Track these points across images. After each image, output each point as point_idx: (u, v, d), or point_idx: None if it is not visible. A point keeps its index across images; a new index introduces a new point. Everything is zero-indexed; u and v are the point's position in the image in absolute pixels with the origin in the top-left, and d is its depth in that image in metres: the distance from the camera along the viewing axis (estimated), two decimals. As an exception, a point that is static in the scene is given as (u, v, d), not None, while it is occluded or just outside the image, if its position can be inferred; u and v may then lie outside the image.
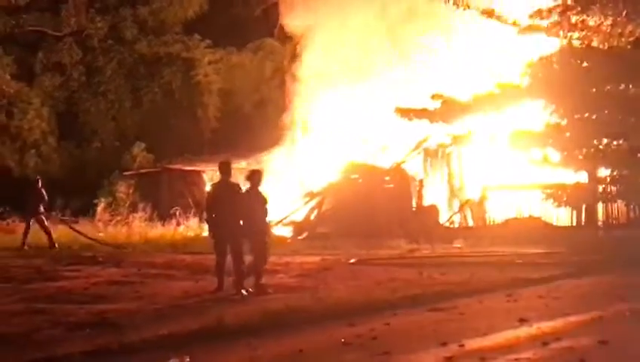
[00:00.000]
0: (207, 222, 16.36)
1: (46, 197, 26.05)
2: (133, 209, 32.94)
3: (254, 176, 15.78)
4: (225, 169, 15.99)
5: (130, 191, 35.01)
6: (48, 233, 25.70)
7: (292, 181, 33.78)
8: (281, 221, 29.37)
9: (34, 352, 10.26)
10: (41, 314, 12.79)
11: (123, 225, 30.68)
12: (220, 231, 15.64)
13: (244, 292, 15.07)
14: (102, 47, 40.74)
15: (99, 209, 32.87)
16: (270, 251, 15.98)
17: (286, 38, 39.47)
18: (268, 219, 16.26)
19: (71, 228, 28.01)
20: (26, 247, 25.10)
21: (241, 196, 15.53)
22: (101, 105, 40.14)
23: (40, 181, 26.36)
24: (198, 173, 33.73)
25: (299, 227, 29.51)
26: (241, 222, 15.33)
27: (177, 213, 31.06)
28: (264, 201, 15.70)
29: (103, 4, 40.90)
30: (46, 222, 25.88)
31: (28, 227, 25.70)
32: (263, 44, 41.92)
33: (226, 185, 15.89)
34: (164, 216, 31.49)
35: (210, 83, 40.80)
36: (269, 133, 35.33)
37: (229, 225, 15.44)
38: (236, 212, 15.43)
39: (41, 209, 25.77)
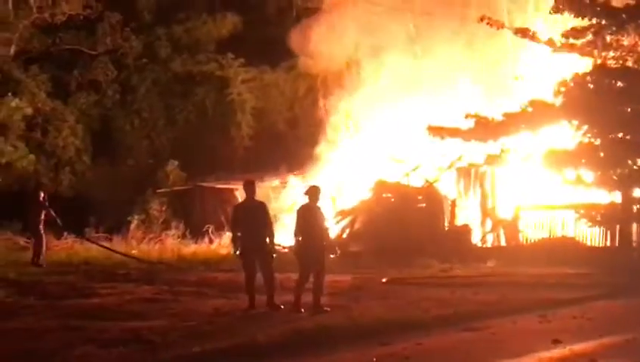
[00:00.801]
0: (232, 241, 16.58)
1: (48, 209, 25.91)
2: (166, 226, 33.09)
3: (312, 192, 15.86)
4: (249, 188, 16.28)
5: (163, 208, 35.16)
6: (37, 248, 25.57)
7: (324, 199, 33.77)
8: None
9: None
10: (75, 330, 12.87)
11: (156, 242, 30.81)
12: (245, 248, 15.81)
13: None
14: (136, 65, 41.01)
15: (132, 226, 33.02)
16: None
17: (320, 57, 39.63)
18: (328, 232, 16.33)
19: (99, 245, 28.11)
20: (42, 264, 25.09)
21: (298, 212, 15.79)
22: (135, 123, 40.36)
23: (42, 193, 26.26)
24: (231, 191, 33.77)
25: (332, 245, 29.45)
26: (299, 238, 15.52)
27: (210, 231, 31.16)
28: (323, 216, 15.85)
29: (137, 22, 41.18)
30: (43, 238, 25.75)
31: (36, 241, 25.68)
32: (297, 62, 42.00)
33: (250, 204, 16.15)
34: (196, 234, 31.61)
35: (244, 101, 40.92)
36: (302, 152, 35.37)
37: (255, 242, 15.63)
38: (259, 228, 15.67)
39: (41, 219, 25.66)
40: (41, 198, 25.94)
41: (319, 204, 15.89)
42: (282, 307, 15.62)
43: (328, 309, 15.24)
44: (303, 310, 15.11)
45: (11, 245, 29.76)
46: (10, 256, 26.73)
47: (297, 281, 15.57)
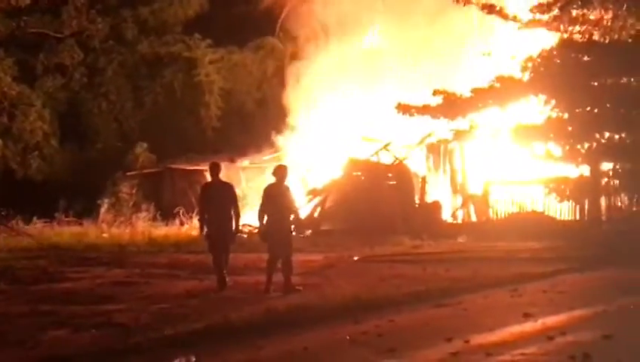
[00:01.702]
0: (199, 221, 16.67)
1: None
2: (137, 209, 32.97)
3: (279, 171, 15.84)
4: (214, 169, 16.36)
5: (133, 191, 35.02)
6: None
7: (294, 179, 33.78)
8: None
9: (40, 353, 10.28)
10: (47, 315, 12.82)
11: (127, 225, 30.70)
12: (211, 229, 15.93)
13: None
14: (103, 47, 40.67)
15: (102, 210, 32.89)
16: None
17: (287, 36, 39.59)
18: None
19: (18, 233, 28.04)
20: None
21: (264, 192, 15.78)
22: (103, 105, 40.08)
23: None
24: (201, 172, 33.68)
25: (302, 224, 29.49)
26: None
27: (180, 213, 31.08)
28: (291, 196, 15.89)
29: (103, 5, 40.78)
30: None
31: None
32: (264, 42, 41.88)
33: (216, 185, 16.28)
34: (167, 216, 31.52)
35: (212, 82, 40.73)
36: (272, 131, 35.33)
37: (221, 223, 15.79)
38: (226, 209, 15.79)
39: None
40: None
41: (286, 183, 15.87)
42: (230, 283, 15.82)
43: (300, 288, 15.28)
44: (272, 290, 15.11)
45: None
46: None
47: (267, 262, 15.57)
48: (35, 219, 30.30)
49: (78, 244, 26.16)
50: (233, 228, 15.97)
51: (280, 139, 35.13)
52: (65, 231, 28.67)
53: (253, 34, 41.36)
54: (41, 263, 21.22)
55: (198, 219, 17.20)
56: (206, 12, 41.61)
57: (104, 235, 28.28)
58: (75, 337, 11.21)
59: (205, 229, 16.00)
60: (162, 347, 10.72)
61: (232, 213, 15.89)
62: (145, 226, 30.18)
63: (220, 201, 15.84)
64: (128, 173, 36.82)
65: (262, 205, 15.69)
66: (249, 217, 20.10)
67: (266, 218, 15.52)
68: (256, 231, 15.86)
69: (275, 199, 15.49)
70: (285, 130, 35.26)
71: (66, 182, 35.37)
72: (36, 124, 37.41)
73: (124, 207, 33.52)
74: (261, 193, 15.95)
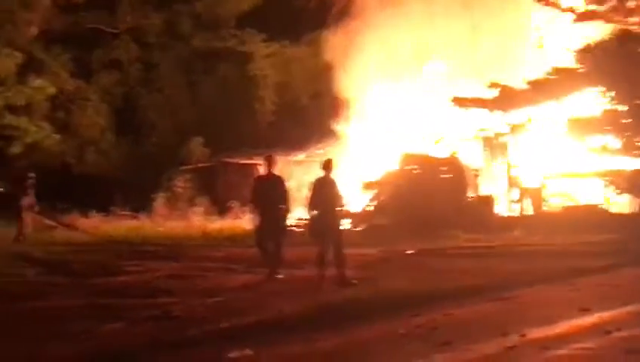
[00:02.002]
0: (251, 213, 16.98)
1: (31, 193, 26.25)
2: (191, 203, 33.18)
3: (327, 165, 15.87)
4: (268, 162, 16.64)
5: (188, 185, 35.25)
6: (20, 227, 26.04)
7: (349, 172, 33.80)
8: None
9: (96, 346, 10.39)
10: (103, 308, 12.94)
11: (182, 219, 30.93)
12: (261, 222, 16.16)
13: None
14: (158, 43, 41.02)
15: (157, 204, 33.16)
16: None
17: (341, 29, 39.51)
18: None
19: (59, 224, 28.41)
20: (20, 237, 25.65)
21: (314, 185, 15.81)
22: (158, 100, 40.42)
23: (31, 177, 26.49)
24: (255, 166, 33.85)
25: (357, 218, 29.49)
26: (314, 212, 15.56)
27: (235, 207, 31.22)
28: (338, 189, 15.86)
29: (158, 0, 41.14)
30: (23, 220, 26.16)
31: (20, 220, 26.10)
32: (318, 36, 41.83)
33: (269, 177, 16.53)
34: (221, 210, 31.69)
35: (266, 76, 40.88)
36: (326, 125, 35.33)
37: (271, 216, 16.01)
38: (276, 202, 16.03)
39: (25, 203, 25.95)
40: (26, 184, 26.18)
41: (333, 176, 15.89)
42: (282, 276, 15.99)
43: (356, 282, 15.25)
44: (326, 284, 15.13)
45: (38, 224, 29.93)
46: (37, 235, 26.88)
47: (317, 256, 15.59)
48: (92, 212, 30.65)
49: (134, 238, 26.42)
50: (284, 221, 16.13)
51: (335, 133, 35.11)
52: (121, 225, 29.01)
53: (306, 28, 41.38)
54: (98, 257, 21.46)
55: (250, 211, 17.32)
56: (260, 6, 41.73)
57: (160, 229, 28.52)
58: (131, 330, 11.31)
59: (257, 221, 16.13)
60: (218, 340, 10.77)
61: (283, 206, 16.01)
62: (200, 220, 30.39)
63: (270, 194, 16.02)
64: (183, 168, 37.06)
65: (310, 198, 15.73)
66: (302, 211, 20.15)
67: (314, 211, 15.56)
68: (306, 224, 15.85)
69: (323, 192, 15.51)
70: (340, 124, 35.24)
71: (122, 176, 35.75)
72: (93, 119, 37.87)
73: (178, 201, 33.76)
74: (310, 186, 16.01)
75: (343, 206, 16.14)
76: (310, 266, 15.99)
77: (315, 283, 15.23)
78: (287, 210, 16.33)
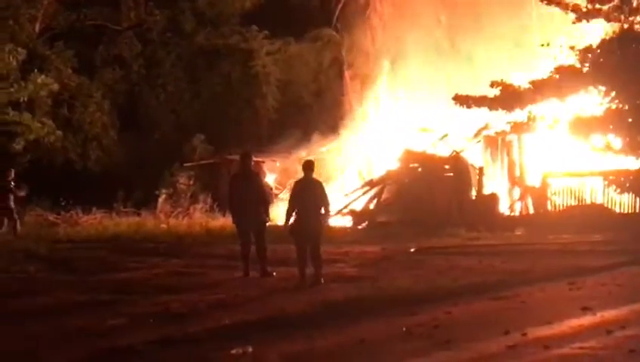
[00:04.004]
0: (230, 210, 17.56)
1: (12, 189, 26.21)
2: (194, 200, 33.20)
3: (308, 165, 15.89)
4: (245, 160, 17.09)
5: (191, 182, 35.26)
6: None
7: (351, 170, 33.82)
8: (340, 210, 29.39)
9: (98, 343, 10.40)
10: (105, 305, 12.98)
11: (184, 216, 30.95)
12: (239, 218, 16.60)
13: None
14: (161, 39, 40.97)
15: (160, 200, 33.19)
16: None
17: (344, 27, 39.52)
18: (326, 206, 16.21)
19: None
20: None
21: (294, 186, 15.94)
22: (161, 97, 40.37)
23: (9, 172, 26.44)
24: (257, 163, 33.87)
25: (358, 216, 29.50)
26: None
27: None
28: (321, 189, 15.84)
29: (161, -3, 41.19)
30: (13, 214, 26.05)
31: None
32: (321, 34, 41.81)
33: (245, 175, 16.88)
34: (224, 207, 31.68)
35: (269, 74, 40.80)
36: (328, 123, 35.33)
37: (249, 212, 16.31)
38: (253, 199, 16.35)
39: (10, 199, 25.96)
40: (8, 179, 26.11)
41: (316, 177, 15.96)
42: (274, 274, 16.25)
43: (323, 281, 15.31)
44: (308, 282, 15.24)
45: (41, 221, 29.98)
46: (40, 231, 26.91)
47: (297, 255, 15.64)
48: (94, 209, 30.68)
49: (137, 235, 26.45)
50: (262, 218, 16.39)
51: (337, 131, 35.13)
52: (123, 222, 29.02)
53: (309, 25, 41.33)
54: (100, 253, 21.48)
55: (229, 209, 17.88)
56: (263, 3, 41.65)
57: (162, 226, 28.53)
58: (133, 326, 11.33)
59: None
60: (219, 336, 10.78)
61: (260, 202, 16.46)
62: (202, 217, 30.40)
63: (248, 191, 16.42)
64: (186, 164, 37.05)
65: (290, 199, 15.79)
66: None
67: (294, 211, 15.59)
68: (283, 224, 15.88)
69: (304, 193, 15.51)
70: (342, 122, 35.25)
71: (125, 173, 35.69)
72: (95, 115, 37.82)
73: (181, 198, 33.77)
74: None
75: (327, 206, 16.03)
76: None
77: (297, 282, 15.26)
78: (265, 207, 16.49)
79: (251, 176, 16.83)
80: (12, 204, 26.00)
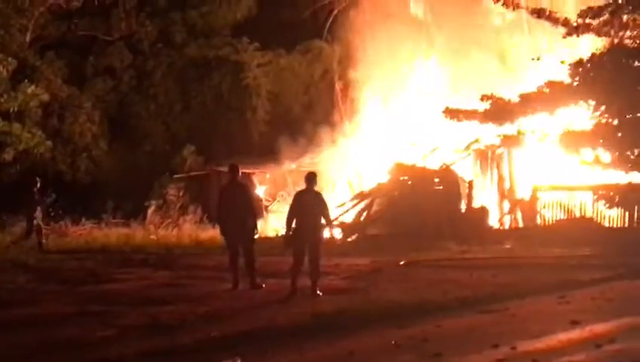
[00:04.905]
0: (218, 222, 17.80)
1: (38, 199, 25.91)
2: (184, 211, 33.16)
3: (309, 178, 15.93)
4: (232, 171, 17.17)
5: (181, 193, 35.20)
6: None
7: (342, 182, 33.82)
8: (330, 222, 29.35)
9: (87, 354, 10.38)
10: (94, 316, 12.95)
11: (174, 227, 30.91)
12: (227, 229, 16.69)
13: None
14: (152, 50, 40.98)
15: (149, 211, 33.14)
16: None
17: (335, 39, 39.59)
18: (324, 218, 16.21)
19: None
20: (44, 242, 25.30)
21: (294, 198, 15.91)
22: (151, 108, 40.34)
23: (34, 182, 26.21)
24: (248, 175, 33.86)
25: (348, 228, 29.48)
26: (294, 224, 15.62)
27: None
28: (322, 202, 15.88)
29: (152, 7, 41.12)
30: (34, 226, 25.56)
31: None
32: (312, 46, 41.86)
33: (233, 186, 16.94)
34: (213, 218, 31.66)
35: (259, 86, 40.82)
36: (319, 135, 35.34)
37: (236, 223, 16.35)
38: (240, 210, 16.34)
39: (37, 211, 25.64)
40: (34, 190, 25.84)
41: (317, 189, 16.02)
42: (263, 286, 16.26)
43: (320, 294, 15.32)
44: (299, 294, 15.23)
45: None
46: (29, 242, 26.80)
47: (292, 266, 15.65)
48: (83, 220, 30.63)
49: (126, 246, 26.40)
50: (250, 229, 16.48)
51: (327, 143, 35.13)
52: (112, 233, 28.96)
53: (300, 37, 41.42)
54: (89, 264, 21.45)
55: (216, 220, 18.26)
56: (254, 15, 41.76)
57: (151, 237, 28.51)
58: (122, 338, 11.31)
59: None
60: (208, 348, 10.77)
61: (247, 213, 16.45)
62: (191, 228, 30.38)
63: (234, 202, 16.50)
64: (175, 176, 37.02)
65: (290, 211, 15.79)
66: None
67: (293, 223, 15.61)
68: (283, 235, 15.96)
69: (304, 205, 15.54)
70: (333, 134, 35.26)
71: (114, 183, 35.64)
72: (85, 126, 37.77)
73: (171, 209, 33.72)
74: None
75: (328, 218, 16.07)
76: (300, 276, 15.94)
77: (307, 293, 15.27)
78: (253, 219, 16.52)
79: (240, 188, 16.89)
80: (38, 216, 25.65)
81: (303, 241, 15.47)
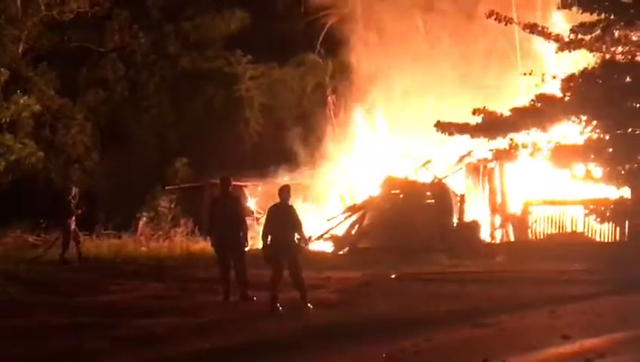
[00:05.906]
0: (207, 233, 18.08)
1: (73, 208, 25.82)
2: (175, 223, 33.11)
3: (283, 191, 15.95)
4: (224, 183, 17.23)
5: (172, 205, 35.17)
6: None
7: (333, 195, 33.83)
8: (321, 236, 29.39)
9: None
10: (86, 327, 12.93)
11: (165, 239, 30.88)
12: (218, 241, 16.77)
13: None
14: (145, 62, 40.99)
15: (141, 223, 33.08)
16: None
17: (327, 52, 39.70)
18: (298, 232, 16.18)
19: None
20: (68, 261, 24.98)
21: (269, 212, 16.17)
22: (144, 120, 40.34)
23: (72, 190, 26.18)
24: (240, 188, 33.84)
25: (340, 241, 29.49)
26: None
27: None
28: (295, 215, 15.86)
29: (146, 19, 41.15)
30: (70, 235, 25.43)
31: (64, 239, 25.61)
32: (305, 59, 41.93)
33: (224, 198, 17.04)
34: (205, 230, 31.62)
35: (252, 98, 40.89)
36: (311, 148, 35.37)
37: (228, 236, 16.45)
38: (233, 223, 16.45)
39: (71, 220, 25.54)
40: (69, 198, 25.80)
41: (290, 203, 16.01)
42: (255, 298, 16.19)
43: (311, 306, 15.27)
44: (280, 307, 15.11)
45: (21, 242, 29.85)
46: (20, 253, 26.77)
47: (270, 281, 15.49)
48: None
49: (117, 257, 26.37)
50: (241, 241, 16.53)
51: (319, 156, 35.15)
52: (104, 244, 28.92)
53: (293, 50, 41.49)
54: (81, 276, 21.42)
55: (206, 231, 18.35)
56: (247, 28, 41.79)
57: (143, 249, 28.47)
58: (114, 350, 11.30)
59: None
60: (199, 360, 10.77)
61: (240, 226, 16.56)
62: (183, 240, 30.34)
63: (226, 214, 16.59)
64: (167, 188, 36.99)
65: (265, 225, 15.81)
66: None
67: (269, 237, 15.61)
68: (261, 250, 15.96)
69: (279, 219, 15.55)
70: (325, 147, 35.28)
71: (106, 195, 35.62)
72: (78, 137, 37.75)
73: (162, 221, 33.67)
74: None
75: (301, 230, 16.02)
76: (289, 288, 15.90)
77: (296, 306, 15.25)
78: (244, 231, 16.55)
79: (231, 200, 16.93)
80: (72, 225, 25.56)
81: (279, 255, 15.45)
